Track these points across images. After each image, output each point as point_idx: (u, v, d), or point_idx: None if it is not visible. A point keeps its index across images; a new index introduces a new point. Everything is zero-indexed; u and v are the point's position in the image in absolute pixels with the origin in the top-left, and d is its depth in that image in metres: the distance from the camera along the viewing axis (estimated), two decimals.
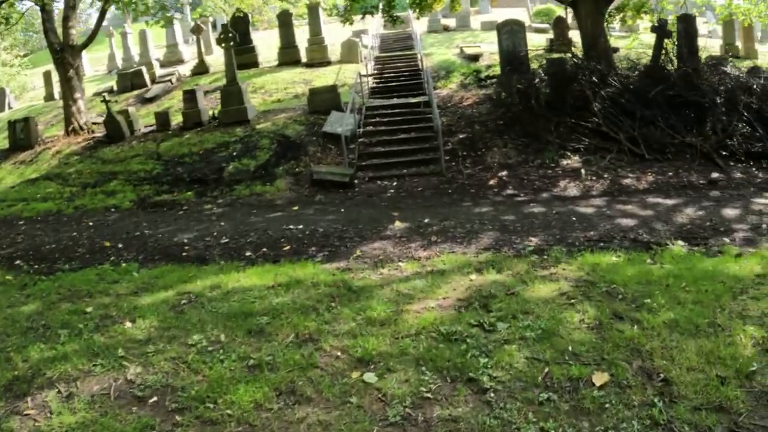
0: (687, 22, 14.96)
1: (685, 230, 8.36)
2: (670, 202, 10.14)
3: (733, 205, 9.97)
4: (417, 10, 18.31)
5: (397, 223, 9.01)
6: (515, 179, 11.93)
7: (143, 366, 4.77)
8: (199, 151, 14.82)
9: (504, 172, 12.28)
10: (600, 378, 4.06)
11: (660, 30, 15.05)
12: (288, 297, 6.00)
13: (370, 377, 4.26)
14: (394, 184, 12.35)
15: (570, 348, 4.50)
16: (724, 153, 12.93)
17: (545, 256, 6.95)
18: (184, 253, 8.66)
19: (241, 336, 5.16)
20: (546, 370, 4.21)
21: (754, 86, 14.43)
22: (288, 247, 8.30)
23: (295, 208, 11.10)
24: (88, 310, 6.27)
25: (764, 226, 8.67)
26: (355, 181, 12.46)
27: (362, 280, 6.40)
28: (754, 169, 12.69)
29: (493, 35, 25.90)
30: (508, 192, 11.26)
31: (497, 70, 18.27)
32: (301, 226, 9.32)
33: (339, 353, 4.69)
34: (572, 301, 5.38)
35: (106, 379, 4.63)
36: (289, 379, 4.34)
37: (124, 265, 8.24)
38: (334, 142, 14.13)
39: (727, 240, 7.85)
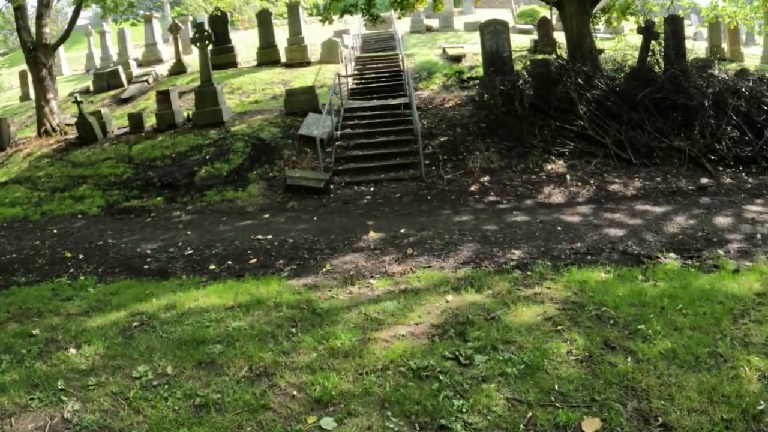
0: (675, 24, 14.56)
1: (677, 241, 7.93)
2: (659, 209, 9.70)
3: (725, 213, 9.57)
4: (398, 10, 17.77)
5: (372, 234, 8.47)
6: (498, 185, 11.41)
7: (82, 402, 4.24)
8: (171, 154, 14.23)
9: (486, 178, 11.77)
10: (591, 425, 3.54)
11: (647, 31, 14.64)
12: (246, 321, 5.45)
13: (327, 423, 3.71)
14: (371, 189, 11.80)
15: (556, 386, 3.97)
16: (712, 157, 12.53)
17: (529, 272, 6.44)
18: (145, 266, 8.11)
19: (190, 368, 4.61)
20: (529, 414, 3.67)
21: (743, 89, 14.06)
22: (254, 260, 7.75)
23: (267, 215, 10.52)
24: (35, 332, 5.74)
25: (759, 236, 8.30)
26: (331, 187, 11.90)
27: (329, 301, 5.86)
28: (743, 174, 12.32)
29: (476, 36, 25.46)
30: (490, 199, 10.73)
31: (480, 72, 17.79)
32: (270, 236, 8.76)
33: (295, 392, 4.13)
34: (559, 327, 4.86)
35: (43, 416, 4.12)
36: (236, 424, 3.79)
37: (81, 278, 7.72)
38: (311, 145, 13.56)
39: (721, 252, 7.45)
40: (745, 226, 8.82)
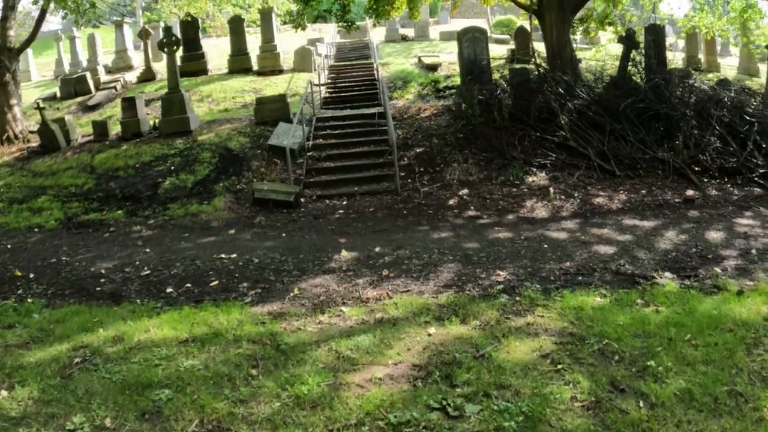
0: (656, 33, 14.20)
1: (671, 259, 7.44)
2: (647, 224, 9.22)
3: (716, 227, 9.14)
4: (374, 17, 17.23)
5: (344, 253, 7.78)
6: (477, 198, 10.83)
7: None
8: (135, 164, 13.43)
9: (464, 191, 11.18)
10: None
11: (628, 40, 14.26)
12: (201, 358, 4.76)
13: None
14: (344, 203, 11.14)
15: None
16: (697, 169, 12.13)
17: (517, 297, 5.85)
18: (98, 288, 7.36)
19: (132, 419, 3.93)
20: None
21: (725, 99, 13.72)
22: (216, 282, 7.03)
23: (232, 231, 9.79)
24: None
25: (754, 251, 7.88)
26: (301, 200, 11.21)
27: (295, 334, 5.18)
28: (729, 185, 11.94)
29: (452, 45, 25.12)
30: (470, 213, 10.11)
31: (456, 81, 17.29)
32: (234, 255, 8.04)
33: None
34: (559, 366, 4.26)
35: None
36: None
37: (29, 302, 6.96)
38: (281, 156, 12.87)
39: (718, 270, 7.00)
40: (739, 241, 8.39)
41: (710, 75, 20.27)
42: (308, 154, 13.13)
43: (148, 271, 7.74)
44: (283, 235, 9.24)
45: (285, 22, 29.19)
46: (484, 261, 7.19)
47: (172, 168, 12.97)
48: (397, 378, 4.25)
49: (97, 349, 5.20)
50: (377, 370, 4.37)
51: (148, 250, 8.96)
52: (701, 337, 4.79)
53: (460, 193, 11.04)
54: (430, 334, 4.96)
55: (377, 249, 7.90)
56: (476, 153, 12.57)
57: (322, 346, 4.87)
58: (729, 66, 25.14)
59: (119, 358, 4.96)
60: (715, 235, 8.69)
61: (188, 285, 7.03)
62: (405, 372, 4.35)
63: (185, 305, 6.23)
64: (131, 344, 5.22)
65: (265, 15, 21.95)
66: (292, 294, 6.32)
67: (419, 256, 7.44)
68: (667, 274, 6.82)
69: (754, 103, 14.22)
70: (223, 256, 8.03)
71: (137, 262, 8.21)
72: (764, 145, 12.83)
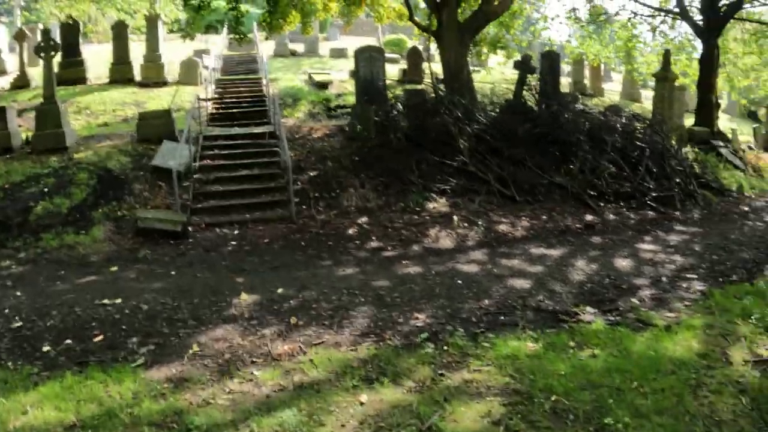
0: (552, 59, 14.43)
1: (588, 291, 7.29)
2: (555, 253, 9.09)
3: (622, 254, 9.19)
4: (267, 30, 16.47)
5: (244, 296, 6.90)
6: (378, 227, 10.27)
7: None
8: (4, 184, 11.73)
9: (364, 219, 10.60)
10: None
11: (523, 65, 14.37)
12: None
13: None
14: (236, 233, 10.21)
15: None
16: (593, 193, 12.30)
17: (445, 346, 5.33)
18: None
19: None
20: None
21: (617, 125, 14.11)
22: (100, 337, 5.92)
23: (114, 268, 8.61)
24: None
25: (664, 279, 7.99)
26: (189, 230, 10.14)
27: (204, 410, 4.30)
28: (624, 209, 12.22)
29: (342, 63, 24.71)
30: (373, 244, 9.53)
31: (349, 100, 16.81)
32: (119, 301, 6.91)
33: None
34: None
35: None
36: None
37: None
38: (166, 178, 11.71)
39: (636, 301, 6.97)
40: (647, 269, 8.46)
41: (595, 100, 21.07)
42: (195, 176, 12.08)
43: (20, 322, 6.43)
44: (173, 272, 8.20)
45: (172, 31, 27.57)
46: (399, 302, 6.61)
47: (46, 190, 11.46)
48: None
49: None
50: None
51: (19, 293, 7.60)
52: (647, 383, 4.62)
53: (360, 221, 10.44)
54: (362, 403, 4.29)
55: (280, 290, 7.07)
56: (373, 177, 12.04)
57: (240, 427, 4.06)
58: (612, 91, 26.39)
59: None
60: (623, 263, 8.68)
61: (68, 341, 5.87)
62: None
63: (67, 370, 5.10)
64: None
65: (152, 22, 20.50)
66: (191, 351, 5.40)
67: (327, 299, 6.73)
68: (589, 308, 6.62)
69: (642, 129, 14.72)
70: (106, 301, 6.90)
71: (7, 310, 6.87)
72: (655, 170, 13.25)
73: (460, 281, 7.46)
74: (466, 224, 10.49)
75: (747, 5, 19.91)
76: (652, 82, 21.18)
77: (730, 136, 18.99)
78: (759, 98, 29.60)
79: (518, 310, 6.44)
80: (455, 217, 10.64)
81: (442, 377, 4.70)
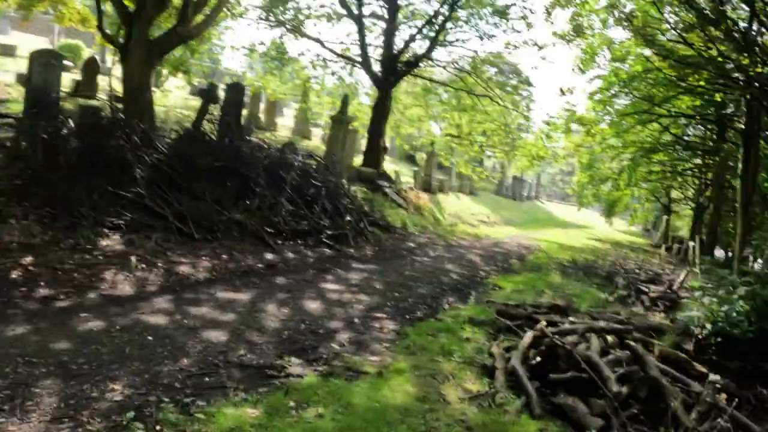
0: (237, 91, 14.16)
1: (287, 339, 7.12)
2: (243, 297, 8.77)
3: (309, 295, 9.31)
4: None
5: None
6: (47, 270, 8.64)
7: None
8: None
9: (29, 258, 8.83)
10: None
11: (207, 94, 13.89)
12: None
13: None
14: None
15: None
16: (271, 231, 12.33)
17: (157, 426, 4.57)
18: None
19: None
20: None
21: (295, 162, 14.48)
22: None
23: None
24: None
25: (356, 320, 8.26)
26: None
27: None
28: (303, 248, 12.50)
29: (9, 63, 21.38)
30: (43, 292, 7.81)
31: (14, 108, 14.29)
32: None
33: None
34: None
35: None
36: None
37: None
38: None
39: (336, 347, 7.03)
40: (338, 310, 8.69)
41: (268, 134, 21.44)
42: None
43: None
44: None
45: None
46: (87, 370, 5.52)
47: None
48: None
49: None
50: None
51: None
52: None
53: (25, 261, 8.70)
54: None
55: None
56: (39, 206, 10.24)
57: None
58: (285, 126, 27.21)
59: None
60: (313, 306, 8.76)
61: None
62: None
63: None
64: None
65: None
66: None
67: (1, 372, 5.29)
68: (294, 359, 6.45)
69: (317, 167, 15.34)
70: None
71: None
72: (329, 208, 13.85)
73: (150, 337, 6.63)
74: (144, 265, 9.55)
75: (422, 64, 22.41)
76: (322, 121, 22.52)
77: (394, 177, 20.97)
78: (419, 145, 33.55)
79: (222, 369, 5.95)
80: (132, 258, 9.61)
81: None
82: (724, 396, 5.69)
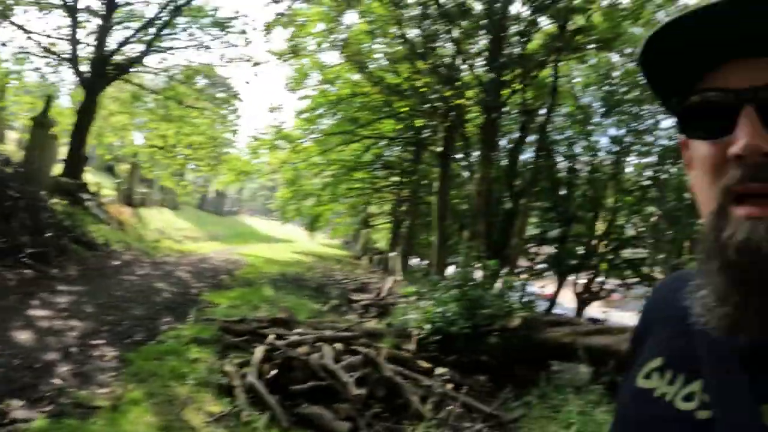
0: None
1: (2, 379, 6.26)
2: None
3: (16, 325, 8.17)
4: None
5: None
6: None
7: None
8: None
9: None
10: None
11: None
12: None
13: None
14: None
15: None
16: None
17: None
18: None
19: None
20: None
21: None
22: None
23: None
24: None
25: (74, 349, 7.49)
26: None
27: None
28: (1, 269, 11.09)
29: None
30: None
31: None
32: None
33: None
34: None
35: None
36: None
37: None
38: None
39: (59, 381, 6.31)
40: (51, 339, 7.79)
41: None
42: None
43: None
44: None
45: None
46: None
47: None
48: None
49: None
50: None
51: None
52: None
53: None
54: None
55: None
56: None
57: None
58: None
59: None
60: (23, 336, 7.79)
61: None
62: None
63: None
64: None
65: None
66: None
67: None
68: (15, 402, 5.67)
69: (13, 176, 13.81)
70: None
71: None
72: (29, 223, 12.53)
73: None
74: None
75: (133, 69, 21.07)
76: (18, 124, 20.11)
77: (95, 189, 19.49)
78: (122, 155, 31.46)
79: None
80: None
81: None
82: (451, 386, 6.48)
